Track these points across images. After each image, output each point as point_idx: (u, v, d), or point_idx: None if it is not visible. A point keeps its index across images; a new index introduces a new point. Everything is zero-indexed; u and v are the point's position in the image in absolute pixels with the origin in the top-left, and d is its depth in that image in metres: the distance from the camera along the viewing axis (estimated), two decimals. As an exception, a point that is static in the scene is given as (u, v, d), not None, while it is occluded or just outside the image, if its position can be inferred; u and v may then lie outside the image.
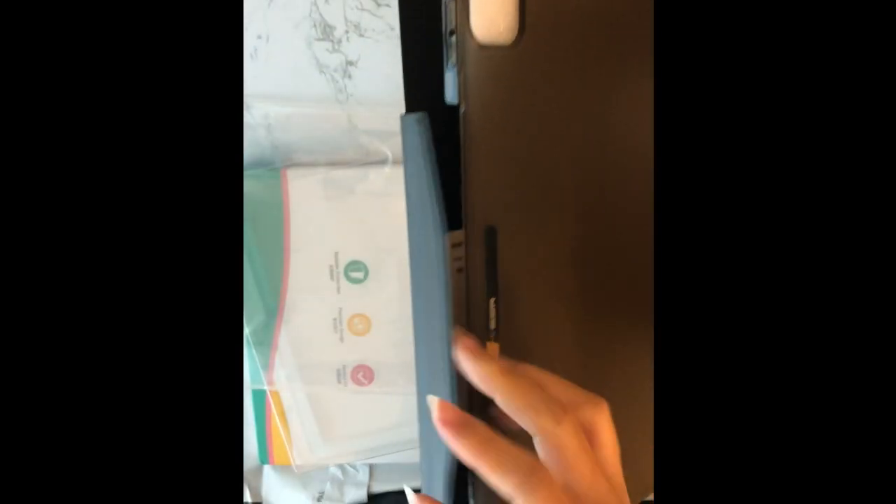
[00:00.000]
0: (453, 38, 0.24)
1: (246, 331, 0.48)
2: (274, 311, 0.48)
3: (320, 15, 0.44)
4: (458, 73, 0.24)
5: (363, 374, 0.49)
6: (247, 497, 0.53)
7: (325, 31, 0.45)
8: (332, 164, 0.47)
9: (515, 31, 0.24)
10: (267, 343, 0.48)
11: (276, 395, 0.49)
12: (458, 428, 0.26)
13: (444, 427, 0.26)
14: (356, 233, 0.47)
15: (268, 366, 0.48)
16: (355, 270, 0.48)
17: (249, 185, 0.47)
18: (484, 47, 0.24)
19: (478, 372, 0.27)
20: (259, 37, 0.45)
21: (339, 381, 0.49)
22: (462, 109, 0.25)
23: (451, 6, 0.23)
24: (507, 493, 0.25)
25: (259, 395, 0.49)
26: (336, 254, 0.47)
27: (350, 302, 0.48)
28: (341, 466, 0.52)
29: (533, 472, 0.25)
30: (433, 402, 0.27)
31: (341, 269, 0.48)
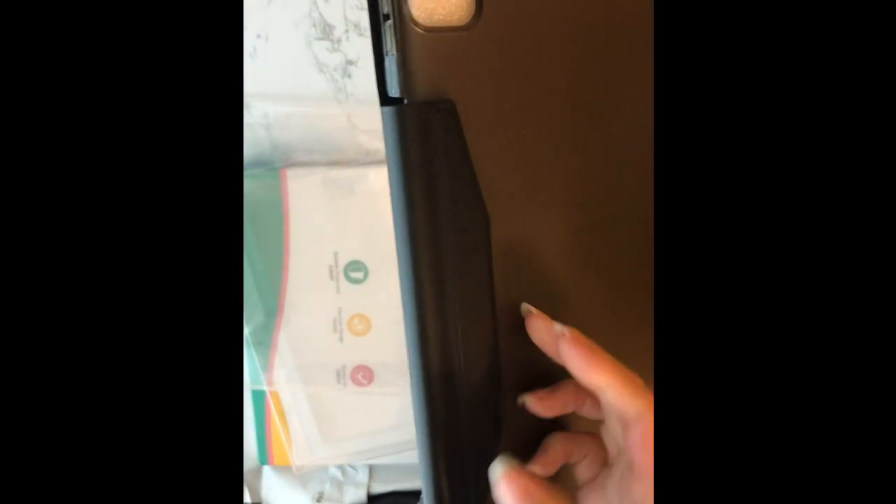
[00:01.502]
0: (388, 24, 0.20)
1: (246, 331, 0.48)
2: (273, 311, 0.48)
3: (320, 14, 0.44)
4: (398, 61, 0.21)
5: (363, 375, 0.49)
6: (246, 497, 0.53)
7: (325, 31, 0.45)
8: (332, 163, 0.47)
9: (470, 10, 0.21)
10: (266, 343, 0.48)
11: (275, 395, 0.49)
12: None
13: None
14: (356, 233, 0.47)
15: (267, 366, 0.48)
16: (355, 270, 0.48)
17: (249, 185, 0.47)
18: (430, 30, 0.20)
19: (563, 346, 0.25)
20: (258, 36, 0.45)
21: (338, 382, 0.49)
22: (406, 103, 0.21)
23: None
24: None
25: (259, 396, 0.49)
26: (336, 254, 0.47)
27: (350, 302, 0.48)
28: (341, 467, 0.52)
29: None
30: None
31: (341, 269, 0.48)
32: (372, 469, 0.52)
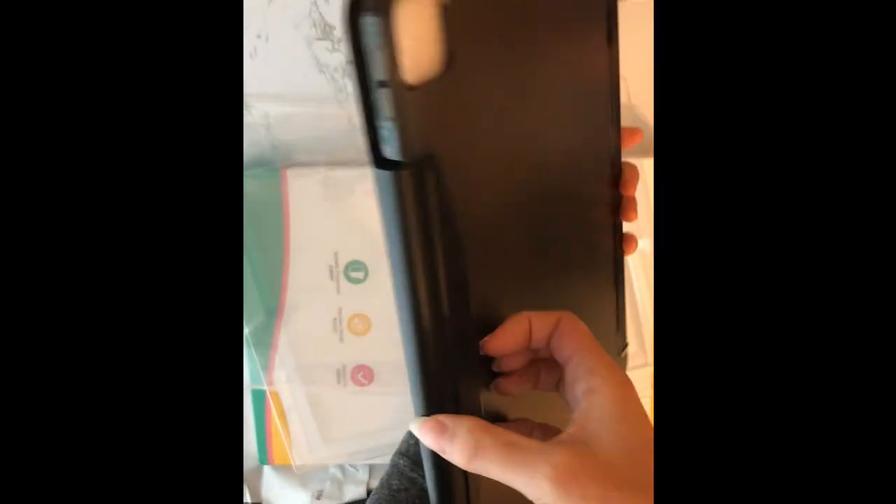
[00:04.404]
0: (384, 90, 0.20)
1: (246, 331, 0.48)
2: (274, 311, 0.48)
3: (320, 14, 0.44)
4: (398, 127, 0.20)
5: (363, 375, 0.49)
6: (247, 497, 0.53)
7: (325, 31, 0.45)
8: (332, 164, 0.47)
9: (443, 61, 0.21)
10: (267, 343, 0.48)
11: (275, 395, 0.49)
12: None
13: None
14: (356, 233, 0.47)
15: (268, 366, 0.48)
16: (355, 270, 0.48)
17: (249, 186, 0.47)
18: (414, 88, 0.20)
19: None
20: (259, 36, 0.45)
21: (338, 382, 0.49)
22: (404, 163, 0.21)
23: (378, 55, 0.19)
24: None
25: (259, 396, 0.49)
26: (336, 254, 0.48)
27: (350, 302, 0.48)
28: (341, 466, 0.52)
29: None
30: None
31: (341, 269, 0.48)
32: (372, 467, 0.52)
